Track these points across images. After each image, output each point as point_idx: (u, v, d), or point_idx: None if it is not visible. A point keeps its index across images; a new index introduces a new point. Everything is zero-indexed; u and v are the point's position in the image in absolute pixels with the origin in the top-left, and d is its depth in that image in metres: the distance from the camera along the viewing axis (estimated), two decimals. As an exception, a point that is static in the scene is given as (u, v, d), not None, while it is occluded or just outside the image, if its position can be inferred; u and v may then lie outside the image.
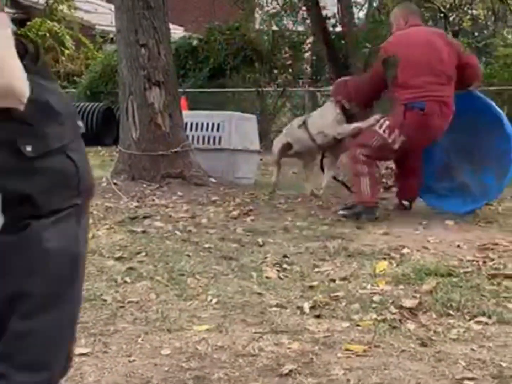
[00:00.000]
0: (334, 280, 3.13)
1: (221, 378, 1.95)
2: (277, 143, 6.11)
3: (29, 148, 1.16)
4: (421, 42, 4.99)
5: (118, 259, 3.47)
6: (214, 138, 7.15)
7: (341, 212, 4.99)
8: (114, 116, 11.60)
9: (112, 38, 15.44)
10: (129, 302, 2.75)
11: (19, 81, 1.11)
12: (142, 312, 2.60)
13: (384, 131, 4.88)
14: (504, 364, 2.06)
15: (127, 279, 3.10)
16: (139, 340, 2.28)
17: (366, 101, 5.32)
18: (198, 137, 7.18)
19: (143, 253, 3.59)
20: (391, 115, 5.01)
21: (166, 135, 6.33)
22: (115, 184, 5.82)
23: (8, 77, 1.09)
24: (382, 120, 4.93)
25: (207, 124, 7.16)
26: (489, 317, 2.55)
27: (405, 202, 5.37)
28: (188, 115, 7.19)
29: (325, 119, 5.53)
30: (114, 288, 2.95)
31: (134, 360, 2.12)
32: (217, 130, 7.12)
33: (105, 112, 11.92)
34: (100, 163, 8.10)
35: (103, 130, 11.53)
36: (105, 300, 2.76)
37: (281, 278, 3.17)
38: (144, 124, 6.19)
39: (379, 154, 5.00)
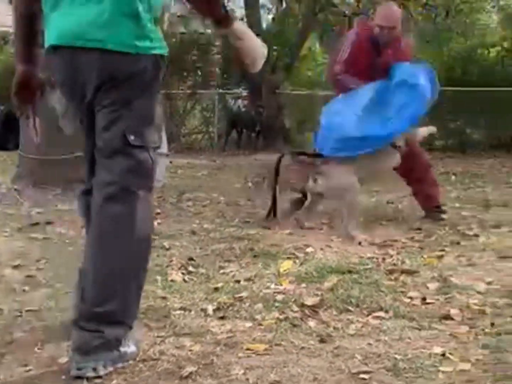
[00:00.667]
0: (239, 281, 3.14)
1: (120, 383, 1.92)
2: None
3: None
4: None
5: (17, 267, 3.36)
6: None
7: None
8: (16, 120, 11.19)
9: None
10: (27, 311, 2.67)
11: None
12: (40, 321, 2.53)
13: None
14: (398, 357, 2.13)
15: (26, 287, 3.00)
16: (36, 349, 2.22)
17: None
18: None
19: (43, 261, 3.49)
20: None
21: (68, 139, 6.16)
22: (15, 190, 5.63)
23: None
24: None
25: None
26: (386, 311, 2.63)
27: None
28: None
29: None
30: (12, 297, 2.85)
31: (30, 370, 2.05)
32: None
33: (7, 116, 11.48)
34: (1, 168, 7.83)
35: (4, 135, 11.13)
36: (1, 310, 2.66)
37: (186, 281, 3.16)
38: (46, 128, 6.01)
39: None
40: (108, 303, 2.03)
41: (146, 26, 2.13)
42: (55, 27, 2.17)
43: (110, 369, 2.01)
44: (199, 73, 16.88)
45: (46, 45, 2.21)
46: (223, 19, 2.26)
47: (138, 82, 2.15)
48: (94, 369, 1.98)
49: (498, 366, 2.04)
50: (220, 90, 16.71)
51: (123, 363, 2.05)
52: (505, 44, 14.95)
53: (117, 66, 2.11)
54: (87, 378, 1.94)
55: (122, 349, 2.07)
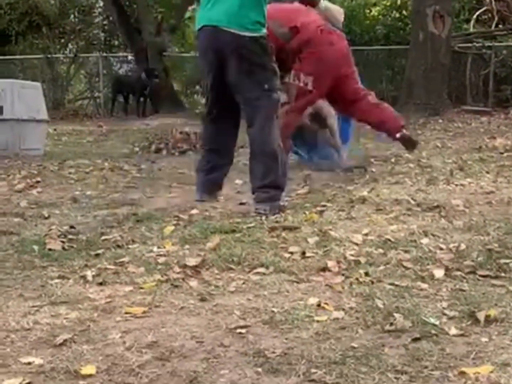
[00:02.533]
0: (120, 246, 3.09)
1: (-10, 357, 1.84)
2: None
3: None
4: None
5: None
6: (-5, 108, 6.71)
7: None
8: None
9: None
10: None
11: None
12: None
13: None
14: (275, 310, 2.17)
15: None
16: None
17: None
18: (-22, 108, 6.71)
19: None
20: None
21: None
22: None
23: None
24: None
25: (-14, 94, 6.70)
26: (267, 267, 2.67)
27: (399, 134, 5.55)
28: (-38, 84, 6.68)
29: None
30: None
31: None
32: (-3, 99, 6.69)
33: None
34: None
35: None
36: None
37: (65, 249, 3.07)
38: None
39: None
40: (269, 175, 3.80)
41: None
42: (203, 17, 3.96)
43: (275, 211, 3.65)
44: (81, 36, 16.32)
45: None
46: None
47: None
48: (264, 210, 3.65)
49: (369, 312, 2.12)
50: (104, 54, 16.23)
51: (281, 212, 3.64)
52: (387, 3, 15.39)
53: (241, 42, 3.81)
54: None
55: (280, 203, 3.81)
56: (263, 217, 3.59)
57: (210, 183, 4.20)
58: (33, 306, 2.27)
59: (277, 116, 3.91)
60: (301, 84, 5.27)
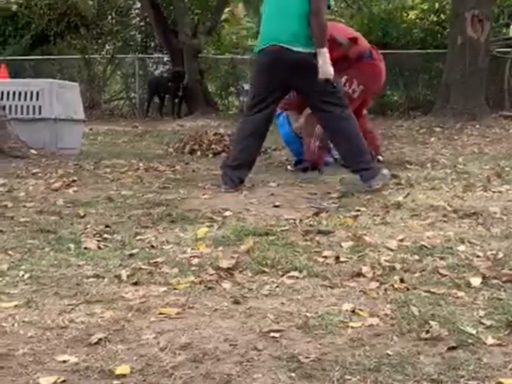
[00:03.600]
0: (155, 247, 3.11)
1: (26, 353, 1.86)
2: None
3: None
4: None
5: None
6: (34, 107, 6.81)
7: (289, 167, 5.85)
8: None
9: None
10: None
11: None
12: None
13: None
14: (309, 315, 2.16)
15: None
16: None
17: None
18: (17, 107, 6.81)
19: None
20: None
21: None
22: None
23: None
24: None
25: (25, 93, 6.80)
26: (300, 271, 2.66)
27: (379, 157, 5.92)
28: (2, 84, 6.79)
29: None
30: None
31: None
32: (37, 99, 6.78)
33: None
34: None
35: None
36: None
37: (100, 248, 3.10)
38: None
39: None
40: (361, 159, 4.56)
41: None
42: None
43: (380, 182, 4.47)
44: (118, 37, 16.49)
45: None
46: None
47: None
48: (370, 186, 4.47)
49: (404, 319, 2.10)
50: (140, 55, 16.37)
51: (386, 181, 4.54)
52: (424, 7, 15.24)
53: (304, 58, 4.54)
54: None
55: (383, 171, 4.59)
56: (297, 220, 3.58)
57: (236, 177, 4.70)
58: (69, 305, 2.29)
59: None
60: (349, 91, 5.43)
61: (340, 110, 4.61)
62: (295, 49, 4.51)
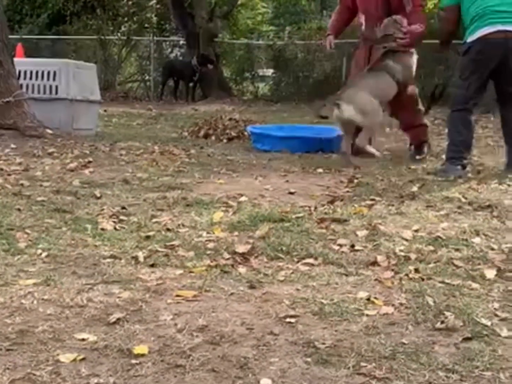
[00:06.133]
0: (171, 230, 3.13)
1: (46, 330, 1.89)
2: None
3: None
4: None
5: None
6: (51, 87, 6.83)
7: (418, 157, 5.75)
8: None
9: None
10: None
11: None
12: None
13: None
14: (325, 302, 2.17)
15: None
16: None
17: None
18: (33, 86, 6.83)
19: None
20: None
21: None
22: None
23: None
24: None
25: (42, 73, 6.81)
26: (316, 258, 2.68)
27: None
28: (20, 63, 6.81)
29: None
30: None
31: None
32: (53, 79, 6.80)
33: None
34: None
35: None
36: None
37: (117, 229, 3.12)
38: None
39: None
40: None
41: None
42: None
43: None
44: (135, 19, 16.46)
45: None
46: None
47: None
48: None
49: (419, 309, 2.11)
50: (156, 38, 16.34)
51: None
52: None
53: None
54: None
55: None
56: (312, 208, 3.59)
57: (461, 167, 4.84)
58: (87, 284, 2.32)
59: None
60: None
61: None
62: None
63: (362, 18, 5.82)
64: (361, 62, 5.76)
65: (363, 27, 5.81)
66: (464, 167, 4.86)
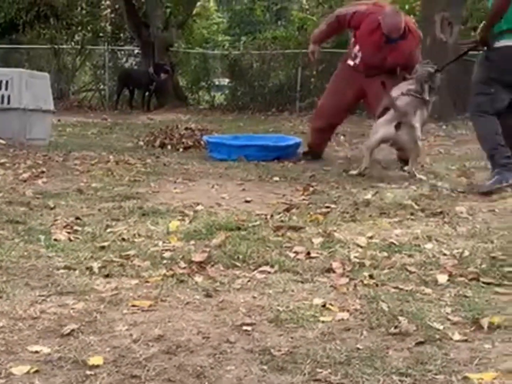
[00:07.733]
0: (126, 240, 3.10)
1: (-2, 344, 1.86)
2: None
3: None
4: None
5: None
6: (3, 96, 6.72)
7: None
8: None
9: None
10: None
11: None
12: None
13: None
14: (281, 309, 2.19)
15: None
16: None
17: None
18: (-15, 96, 6.71)
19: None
20: None
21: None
22: None
23: None
24: None
25: (-6, 82, 6.70)
26: (272, 266, 2.69)
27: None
28: (-29, 72, 6.67)
29: None
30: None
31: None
32: (6, 88, 6.69)
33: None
34: None
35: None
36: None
37: (71, 240, 3.08)
38: None
39: None
40: None
41: None
42: None
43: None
44: (89, 28, 16.30)
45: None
46: None
47: None
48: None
49: (374, 314, 2.14)
50: (111, 47, 16.20)
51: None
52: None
53: None
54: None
55: None
56: (268, 216, 3.61)
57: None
58: (40, 295, 2.29)
59: None
60: None
61: None
62: None
63: (356, 48, 5.89)
64: (342, 85, 5.98)
65: (359, 53, 5.88)
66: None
